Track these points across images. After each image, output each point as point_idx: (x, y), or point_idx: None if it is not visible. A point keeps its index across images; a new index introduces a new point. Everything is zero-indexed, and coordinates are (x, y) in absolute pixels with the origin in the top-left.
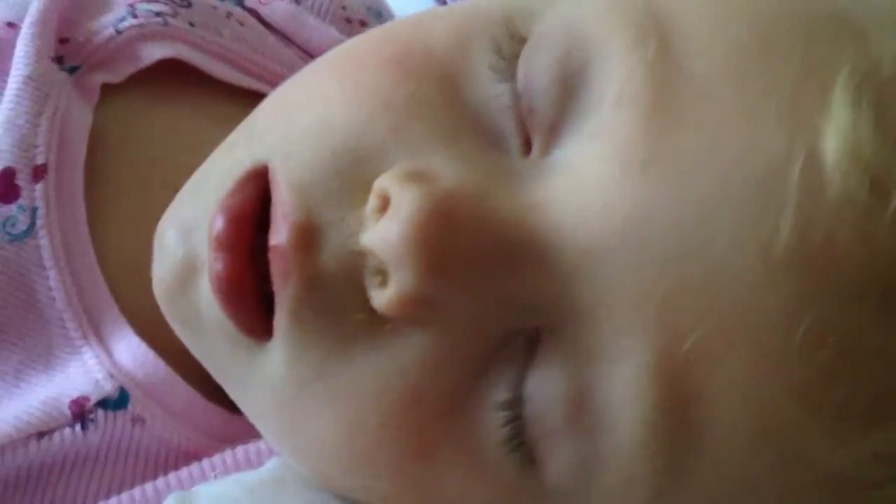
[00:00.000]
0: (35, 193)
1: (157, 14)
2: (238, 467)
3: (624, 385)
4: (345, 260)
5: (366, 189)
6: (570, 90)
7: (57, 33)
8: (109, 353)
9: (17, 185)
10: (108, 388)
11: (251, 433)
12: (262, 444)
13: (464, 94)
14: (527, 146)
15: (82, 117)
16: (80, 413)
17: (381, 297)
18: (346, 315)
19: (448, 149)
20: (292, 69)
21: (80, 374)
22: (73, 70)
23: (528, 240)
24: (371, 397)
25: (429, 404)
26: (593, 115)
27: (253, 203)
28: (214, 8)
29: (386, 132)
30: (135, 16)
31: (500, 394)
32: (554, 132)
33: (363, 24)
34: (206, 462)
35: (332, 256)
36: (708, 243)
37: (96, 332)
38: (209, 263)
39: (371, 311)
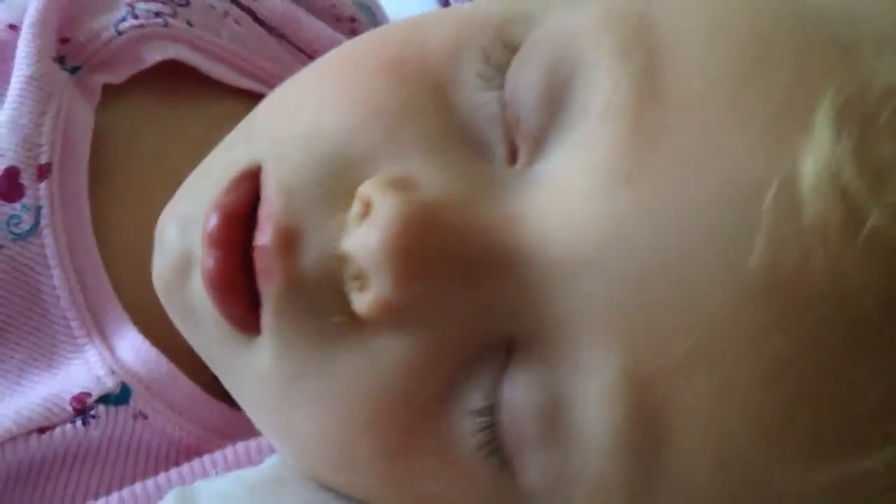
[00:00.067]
0: (39, 192)
1: (157, 14)
2: (238, 464)
3: (595, 395)
4: (326, 263)
5: (352, 194)
6: (557, 101)
7: (58, 33)
8: (112, 350)
9: (21, 185)
10: (110, 384)
11: (252, 429)
12: (262, 441)
13: (454, 101)
14: (513, 155)
15: (85, 117)
16: (82, 409)
17: (361, 302)
18: (328, 317)
19: (434, 156)
20: (286, 67)
21: (83, 371)
22: (74, 70)
23: (506, 249)
24: (350, 397)
25: (406, 407)
26: (579, 126)
27: (247, 202)
28: (212, 7)
29: (375, 138)
30: (135, 16)
31: (477, 400)
32: (540, 142)
33: (353, 21)
34: (206, 458)
35: (313, 259)
36: (684, 261)
37: (99, 329)
38: (202, 260)
39: (352, 313)
